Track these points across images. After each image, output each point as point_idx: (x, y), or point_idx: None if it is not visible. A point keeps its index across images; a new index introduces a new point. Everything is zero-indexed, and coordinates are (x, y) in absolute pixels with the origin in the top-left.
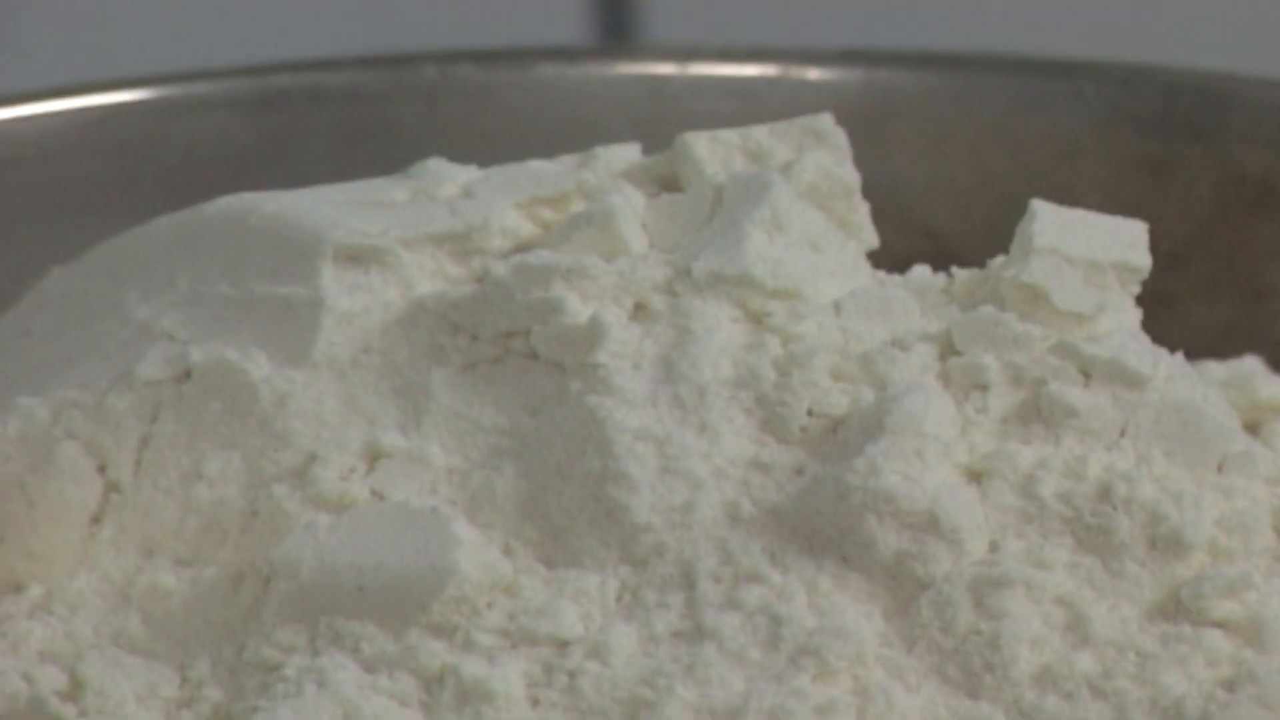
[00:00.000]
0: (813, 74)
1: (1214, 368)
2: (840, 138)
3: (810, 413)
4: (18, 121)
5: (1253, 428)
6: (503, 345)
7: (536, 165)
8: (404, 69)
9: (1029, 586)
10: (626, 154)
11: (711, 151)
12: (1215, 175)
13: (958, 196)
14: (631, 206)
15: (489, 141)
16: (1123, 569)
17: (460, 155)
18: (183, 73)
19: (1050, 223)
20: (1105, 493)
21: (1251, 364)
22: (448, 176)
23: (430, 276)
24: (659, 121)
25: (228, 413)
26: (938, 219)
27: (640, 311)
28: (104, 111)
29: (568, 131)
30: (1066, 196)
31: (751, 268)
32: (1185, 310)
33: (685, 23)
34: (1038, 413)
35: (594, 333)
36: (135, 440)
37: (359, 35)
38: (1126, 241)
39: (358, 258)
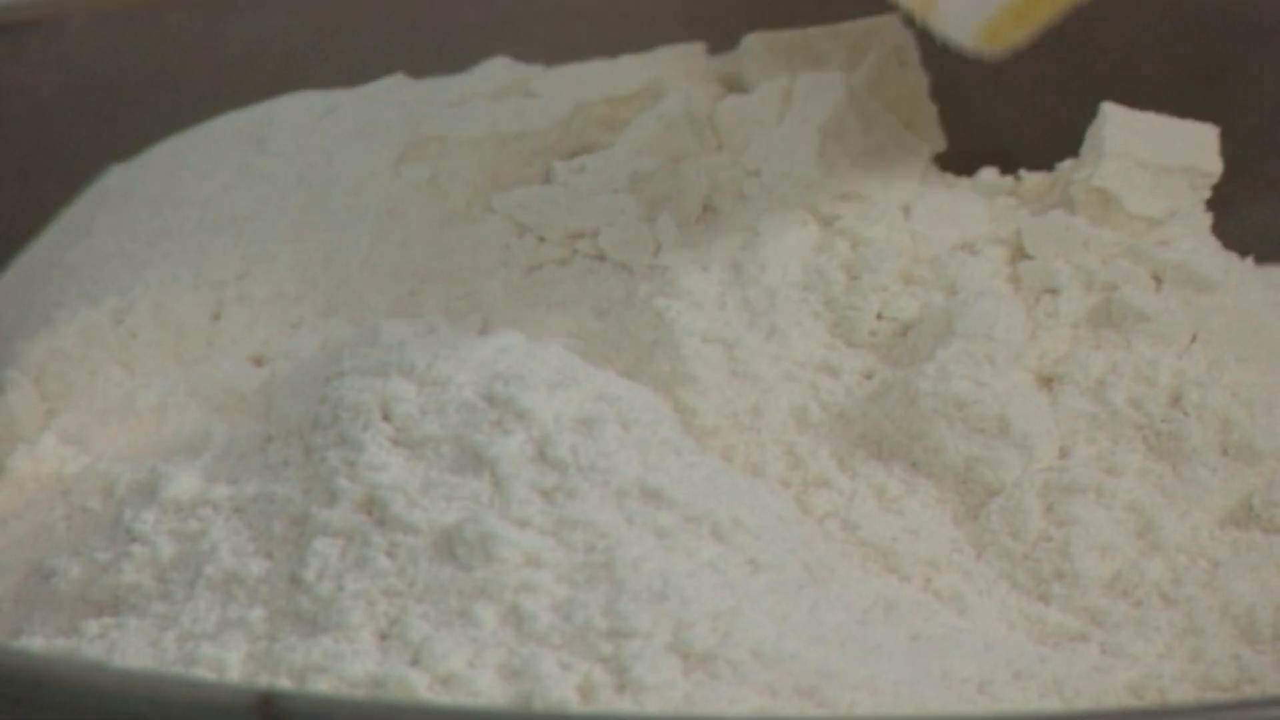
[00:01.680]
0: None
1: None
2: (907, 39)
3: (880, 316)
4: (72, 19)
5: None
6: (569, 247)
7: (601, 65)
8: None
9: (1099, 492)
10: (690, 54)
11: (776, 53)
12: (1278, 75)
13: (1021, 100)
14: (696, 108)
15: (547, 41)
16: (1194, 475)
17: (519, 55)
18: None
19: (1121, 126)
20: (1176, 399)
21: None
22: (511, 76)
23: (496, 176)
24: (720, 20)
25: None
26: (1002, 122)
27: (708, 213)
28: (158, 9)
29: (628, 30)
30: (1128, 99)
31: (821, 171)
32: (1250, 214)
33: None
34: (1109, 317)
35: (662, 234)
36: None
37: None
38: (1196, 145)
39: (425, 156)
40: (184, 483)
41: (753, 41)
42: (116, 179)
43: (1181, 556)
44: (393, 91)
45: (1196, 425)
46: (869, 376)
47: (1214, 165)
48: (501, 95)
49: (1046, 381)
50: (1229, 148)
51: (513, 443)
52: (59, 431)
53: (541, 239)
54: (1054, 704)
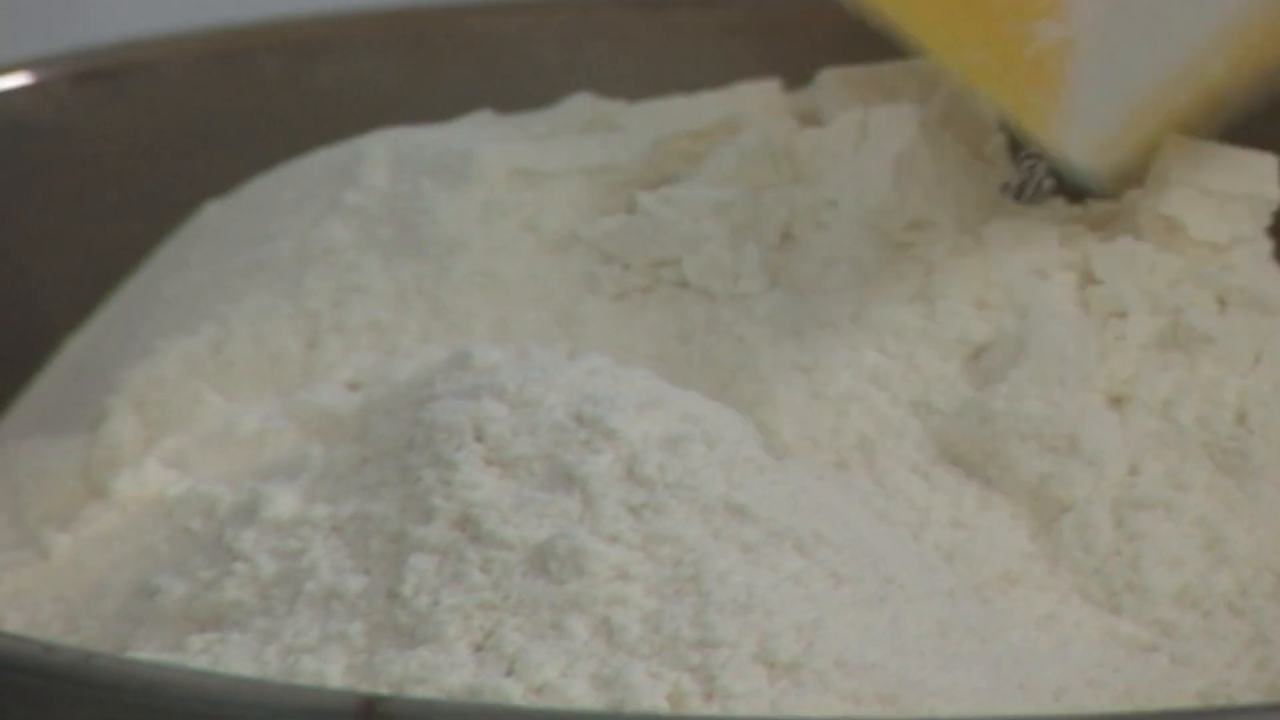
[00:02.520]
0: None
1: None
2: None
3: (954, 340)
4: (166, 59)
5: None
6: (653, 274)
7: (680, 101)
8: (543, 12)
9: (1168, 508)
10: (766, 89)
11: (850, 87)
12: None
13: None
14: (774, 140)
15: (628, 83)
16: (1259, 491)
17: (602, 93)
18: (327, 14)
19: (1184, 156)
20: (1242, 417)
21: None
22: (595, 111)
23: (583, 207)
24: (789, 58)
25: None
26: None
27: (787, 241)
28: (249, 50)
29: (704, 71)
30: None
31: (895, 200)
32: None
33: None
34: (1175, 340)
35: (743, 262)
36: (303, 345)
37: None
38: (1258, 175)
39: (513, 187)
40: (283, 503)
41: (827, 77)
42: (212, 215)
43: (1248, 569)
44: (480, 127)
45: (1261, 443)
46: (944, 398)
47: (1275, 193)
48: (586, 130)
49: (1116, 402)
50: None
51: (602, 461)
52: (160, 456)
53: (626, 267)
54: (1127, 710)
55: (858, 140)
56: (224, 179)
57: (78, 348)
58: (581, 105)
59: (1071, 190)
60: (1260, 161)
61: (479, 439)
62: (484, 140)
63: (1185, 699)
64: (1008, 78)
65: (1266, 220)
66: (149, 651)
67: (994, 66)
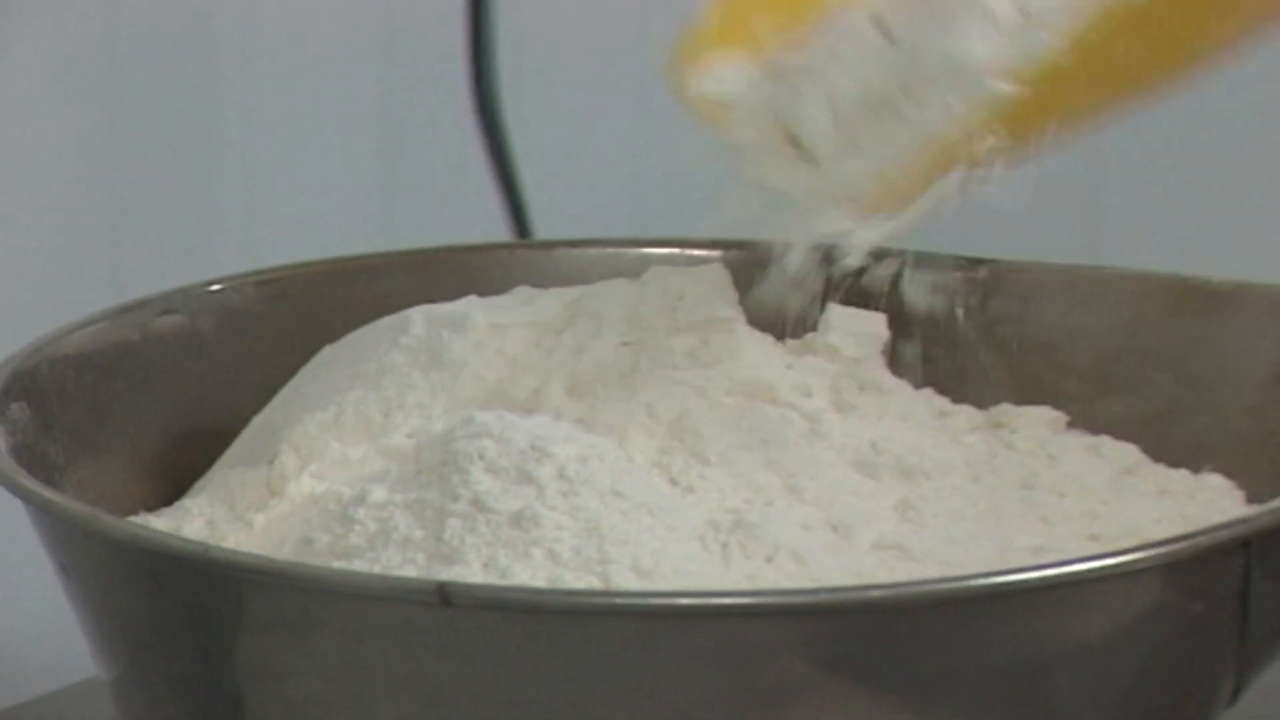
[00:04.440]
0: None
1: None
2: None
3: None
4: (300, 276)
5: None
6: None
7: (575, 289)
8: (506, 249)
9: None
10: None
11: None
12: None
13: None
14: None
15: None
16: (885, 483)
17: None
18: (372, 255)
19: (843, 314)
20: (874, 445)
21: None
22: (530, 294)
23: (526, 342)
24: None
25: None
26: None
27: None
28: (305, 281)
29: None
30: None
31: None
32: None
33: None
34: (838, 407)
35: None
36: (382, 415)
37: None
38: (875, 322)
39: (490, 333)
40: (377, 494)
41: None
42: (328, 352)
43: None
44: (482, 301)
45: (887, 459)
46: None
47: (885, 333)
48: (525, 302)
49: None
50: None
51: (546, 469)
52: (310, 474)
53: (550, 377)
54: None
55: (675, 301)
56: (337, 333)
57: (259, 421)
58: (524, 291)
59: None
60: (877, 316)
61: (480, 457)
62: (474, 308)
63: None
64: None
65: (880, 346)
66: None
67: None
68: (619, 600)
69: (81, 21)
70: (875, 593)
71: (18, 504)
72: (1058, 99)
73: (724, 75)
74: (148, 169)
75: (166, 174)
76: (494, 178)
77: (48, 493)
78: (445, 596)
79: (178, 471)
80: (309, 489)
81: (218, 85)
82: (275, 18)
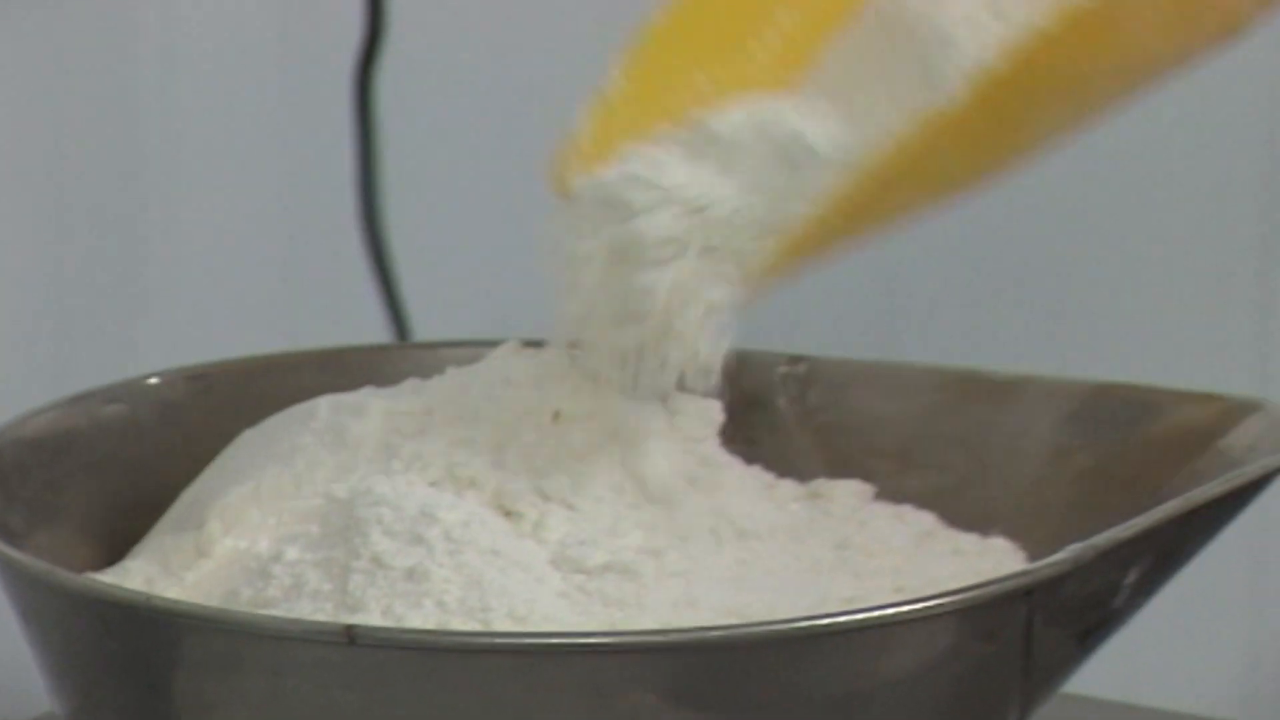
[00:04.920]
0: None
1: None
2: None
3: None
4: (222, 373)
5: None
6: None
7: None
8: (427, 347)
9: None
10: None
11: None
12: None
13: None
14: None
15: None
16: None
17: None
18: (286, 353)
19: (691, 403)
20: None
21: None
22: (413, 387)
23: (406, 421)
24: None
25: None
26: None
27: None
28: (228, 375)
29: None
30: None
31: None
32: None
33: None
34: (691, 481)
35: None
36: (294, 485)
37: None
38: (712, 409)
39: (383, 416)
40: (290, 553)
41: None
42: (248, 435)
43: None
44: (377, 391)
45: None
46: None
47: (720, 417)
48: (398, 394)
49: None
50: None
51: (434, 531)
52: (233, 538)
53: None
54: None
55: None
56: (255, 419)
57: (189, 494)
58: (412, 383)
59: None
60: (714, 403)
61: (378, 522)
62: (371, 398)
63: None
64: None
65: (716, 428)
66: None
67: None
68: (498, 640)
69: (23, 122)
70: (713, 634)
71: None
72: (883, 201)
73: (602, 177)
74: (87, 270)
75: (102, 276)
76: (376, 283)
77: (13, 552)
78: (352, 637)
79: (119, 538)
80: (232, 550)
81: (145, 208)
82: (199, 141)
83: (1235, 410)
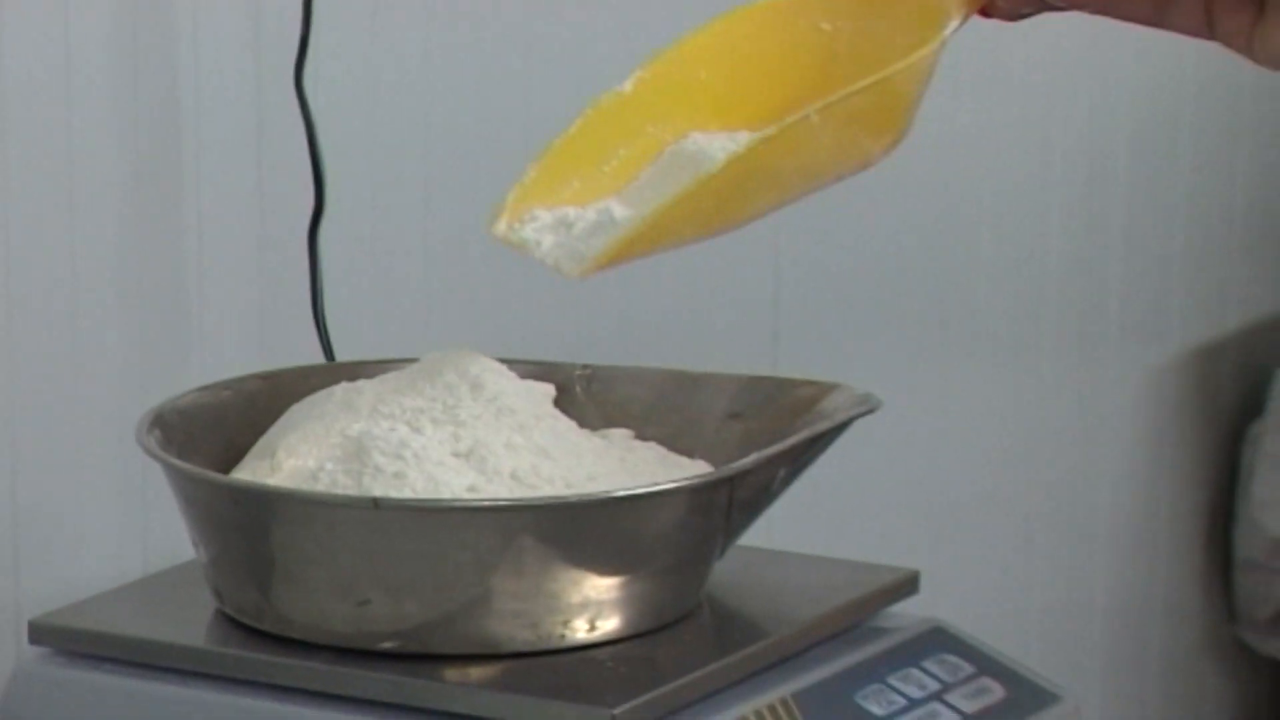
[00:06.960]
0: None
1: None
2: None
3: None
4: (252, 381)
5: None
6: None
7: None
8: (376, 365)
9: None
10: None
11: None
12: None
13: None
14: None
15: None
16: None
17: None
18: (294, 368)
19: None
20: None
21: None
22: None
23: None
24: None
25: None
26: None
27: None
28: (275, 380)
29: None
30: None
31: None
32: None
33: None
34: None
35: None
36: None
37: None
38: (545, 392)
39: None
40: (327, 466)
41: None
42: (295, 406)
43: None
44: (370, 382)
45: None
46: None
47: (552, 391)
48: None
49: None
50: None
51: (408, 452)
52: (292, 460)
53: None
54: None
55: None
56: (292, 401)
57: (262, 442)
58: (389, 376)
59: None
60: (549, 388)
61: (376, 449)
62: (364, 382)
63: None
64: None
65: (550, 401)
66: None
67: None
68: (454, 503)
69: None
70: (566, 499)
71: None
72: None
73: (533, 219)
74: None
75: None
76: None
77: (180, 463)
78: (376, 504)
79: (224, 463)
80: (292, 467)
81: None
82: None
83: (828, 388)
